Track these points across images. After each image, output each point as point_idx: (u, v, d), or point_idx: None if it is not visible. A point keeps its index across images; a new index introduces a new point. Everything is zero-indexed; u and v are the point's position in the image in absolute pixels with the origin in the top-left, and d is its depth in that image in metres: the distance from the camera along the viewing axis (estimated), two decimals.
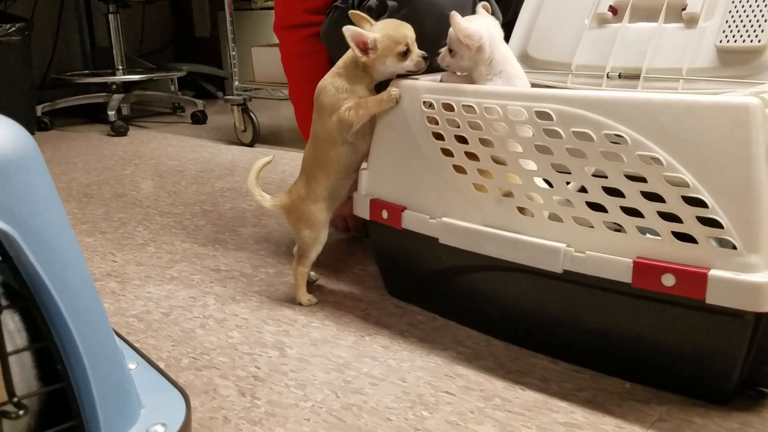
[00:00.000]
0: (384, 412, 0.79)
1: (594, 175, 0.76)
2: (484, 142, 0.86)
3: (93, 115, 2.98)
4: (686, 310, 0.73)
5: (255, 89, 2.63)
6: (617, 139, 0.74)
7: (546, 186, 0.82)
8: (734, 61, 0.91)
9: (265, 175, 1.88)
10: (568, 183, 0.79)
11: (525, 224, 0.83)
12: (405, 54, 0.97)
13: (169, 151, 2.33)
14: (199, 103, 2.87)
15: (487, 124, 0.84)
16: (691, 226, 0.70)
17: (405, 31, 0.97)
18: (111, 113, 2.67)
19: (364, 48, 0.96)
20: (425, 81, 0.96)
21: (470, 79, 0.94)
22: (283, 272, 1.21)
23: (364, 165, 1.06)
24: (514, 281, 0.88)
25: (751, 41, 0.89)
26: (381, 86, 1.00)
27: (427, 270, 1.00)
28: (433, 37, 1.11)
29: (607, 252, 0.76)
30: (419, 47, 1.05)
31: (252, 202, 1.66)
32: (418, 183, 0.95)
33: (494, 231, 0.86)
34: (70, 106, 2.85)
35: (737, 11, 0.91)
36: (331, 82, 1.01)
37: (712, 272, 0.68)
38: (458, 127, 0.87)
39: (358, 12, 0.98)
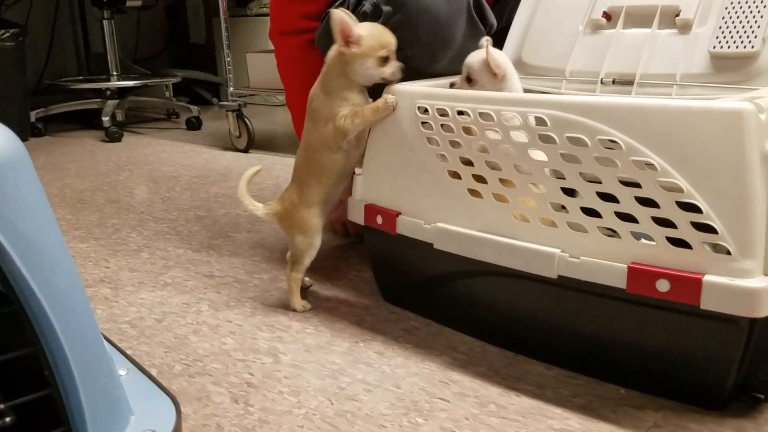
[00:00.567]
0: (378, 418, 0.78)
1: (588, 181, 0.76)
2: (479, 148, 0.85)
3: (87, 121, 2.97)
4: (681, 315, 0.72)
5: (250, 95, 2.63)
6: (611, 145, 0.74)
7: (541, 191, 0.81)
8: (728, 67, 0.91)
9: (259, 181, 1.88)
10: (564, 190, 0.79)
11: (519, 229, 0.83)
12: (386, 60, 0.96)
13: (164, 156, 2.32)
14: (194, 109, 2.87)
15: (481, 130, 0.84)
16: (685, 232, 0.70)
17: (389, 37, 0.97)
18: (105, 119, 2.66)
19: (347, 39, 0.95)
20: (420, 86, 0.96)
21: None
22: (277, 278, 1.20)
23: (358, 170, 1.06)
24: (508, 286, 0.87)
25: (744, 47, 0.89)
26: (376, 94, 1.00)
27: (421, 275, 0.99)
28: (426, 42, 1.11)
29: (601, 257, 0.75)
30: (412, 52, 1.05)
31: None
32: (413, 188, 0.95)
33: (489, 236, 0.86)
34: (65, 112, 2.84)
35: (730, 17, 0.91)
36: (322, 89, 1.01)
37: (707, 278, 0.68)
38: (453, 132, 0.87)
39: (343, 9, 0.98)
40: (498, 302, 0.91)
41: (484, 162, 0.85)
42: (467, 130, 0.86)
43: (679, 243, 0.71)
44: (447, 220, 0.91)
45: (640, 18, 1.00)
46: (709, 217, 0.68)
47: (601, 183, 0.75)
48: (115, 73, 2.94)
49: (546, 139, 0.78)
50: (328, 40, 1.29)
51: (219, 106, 3.38)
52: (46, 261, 0.35)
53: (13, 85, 2.58)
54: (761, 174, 0.67)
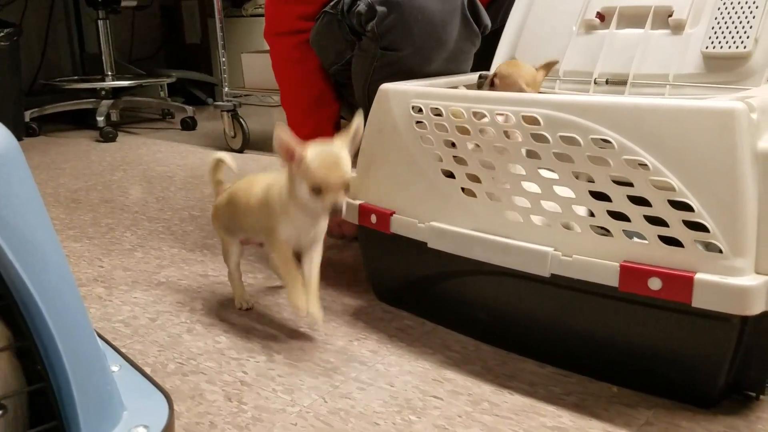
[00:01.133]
0: (372, 416, 0.78)
1: (582, 180, 0.77)
2: (473, 147, 0.86)
3: (82, 121, 2.96)
4: (673, 313, 0.73)
5: (245, 95, 2.63)
6: (604, 144, 0.74)
7: (535, 191, 0.82)
8: (720, 67, 0.91)
9: None
10: (559, 190, 0.80)
11: (513, 228, 0.83)
12: (318, 191, 0.85)
13: (158, 156, 2.32)
14: (189, 109, 2.87)
15: (475, 129, 0.84)
16: (677, 230, 0.70)
17: (331, 173, 0.85)
18: (100, 119, 2.65)
19: (290, 156, 0.87)
20: (414, 85, 0.96)
21: None
22: (271, 276, 1.20)
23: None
24: (502, 285, 0.88)
25: (737, 47, 0.90)
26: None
27: (415, 275, 1.00)
28: (420, 42, 1.11)
29: (594, 256, 0.76)
30: (406, 53, 1.05)
31: None
32: (407, 187, 0.95)
33: (482, 235, 0.86)
34: (59, 112, 2.83)
35: (723, 18, 0.92)
36: (279, 183, 0.93)
37: (698, 276, 0.69)
38: (447, 131, 0.88)
39: (284, 129, 0.86)
40: (492, 301, 0.91)
41: (478, 161, 0.85)
42: (461, 130, 0.86)
43: (671, 242, 0.71)
44: (441, 219, 0.91)
45: (633, 18, 1.00)
46: (701, 215, 0.69)
47: (594, 182, 0.75)
48: (109, 73, 2.94)
49: (539, 138, 0.78)
50: (322, 39, 1.29)
51: (214, 107, 3.38)
52: (38, 256, 0.35)
53: (8, 84, 2.58)
54: (752, 173, 0.67)
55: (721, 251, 0.68)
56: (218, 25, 2.42)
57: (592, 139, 0.74)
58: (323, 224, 0.95)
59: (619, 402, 0.79)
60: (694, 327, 0.73)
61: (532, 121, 0.79)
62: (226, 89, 2.43)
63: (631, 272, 0.73)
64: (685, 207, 0.70)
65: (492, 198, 0.86)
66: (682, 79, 0.94)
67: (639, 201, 0.73)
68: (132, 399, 0.42)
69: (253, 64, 2.49)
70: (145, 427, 0.40)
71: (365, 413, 0.79)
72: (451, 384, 0.85)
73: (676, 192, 0.70)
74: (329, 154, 0.87)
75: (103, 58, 2.92)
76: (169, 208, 1.67)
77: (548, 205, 0.80)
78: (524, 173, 0.81)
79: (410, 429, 0.76)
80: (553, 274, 0.80)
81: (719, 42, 0.91)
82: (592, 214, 0.76)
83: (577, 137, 0.75)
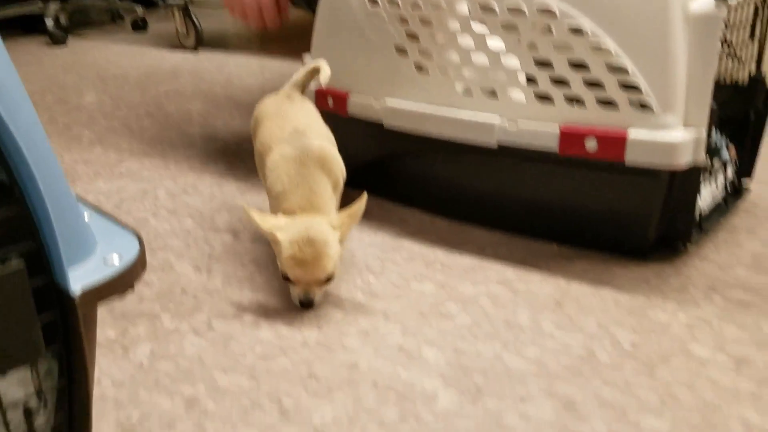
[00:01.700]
0: (335, 280, 0.84)
1: (526, 49, 0.80)
2: (424, 22, 0.88)
3: (31, 27, 2.85)
4: (608, 173, 0.79)
5: None
6: (547, 13, 0.77)
7: (483, 62, 0.85)
8: None
9: (210, 78, 1.87)
10: (506, 61, 0.83)
11: (464, 102, 0.87)
12: (290, 281, 0.75)
13: (111, 59, 2.27)
14: (139, 9, 2.77)
15: (426, 3, 0.86)
16: (613, 92, 0.75)
17: (306, 271, 0.72)
18: (49, 22, 2.56)
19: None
20: None
21: None
22: (234, 165, 1.23)
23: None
24: (454, 159, 0.92)
25: None
26: None
27: (373, 155, 1.03)
28: None
29: (536, 123, 0.80)
30: None
31: (198, 104, 1.66)
32: (362, 68, 0.97)
33: (435, 110, 0.89)
34: (7, 18, 2.72)
35: None
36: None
37: (631, 134, 0.74)
38: (399, 7, 0.89)
39: (251, 211, 0.74)
40: (445, 175, 0.96)
41: (429, 35, 0.88)
42: (413, 5, 0.88)
43: (608, 104, 0.76)
44: (395, 97, 0.94)
45: None
46: (635, 76, 0.73)
47: (537, 50, 0.79)
48: None
49: (487, 9, 0.81)
50: None
51: (164, 5, 3.27)
52: (12, 98, 0.38)
53: None
54: (683, 34, 0.71)
55: (652, 109, 0.73)
56: None
57: (536, 9, 0.77)
58: None
59: (559, 256, 0.86)
60: (627, 184, 0.78)
61: None
62: None
63: (569, 135, 0.78)
64: (621, 70, 0.74)
65: (443, 73, 0.89)
66: None
67: (579, 67, 0.77)
68: (103, 236, 0.45)
69: None
70: (119, 255, 0.44)
71: None
72: (407, 251, 0.91)
73: (612, 55, 0.74)
74: (307, 245, 0.70)
75: None
76: (124, 106, 1.66)
77: (495, 75, 0.83)
78: (473, 45, 0.84)
79: (370, 288, 0.82)
80: (500, 144, 0.84)
81: None
82: (535, 83, 0.80)
83: (523, 7, 0.78)
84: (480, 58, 0.84)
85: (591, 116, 0.76)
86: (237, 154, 1.28)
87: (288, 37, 2.47)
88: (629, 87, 0.74)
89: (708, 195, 0.88)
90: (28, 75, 2.07)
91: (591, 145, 0.76)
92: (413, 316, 0.75)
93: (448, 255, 0.89)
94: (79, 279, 0.41)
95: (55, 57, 2.35)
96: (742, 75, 0.90)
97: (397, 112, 0.93)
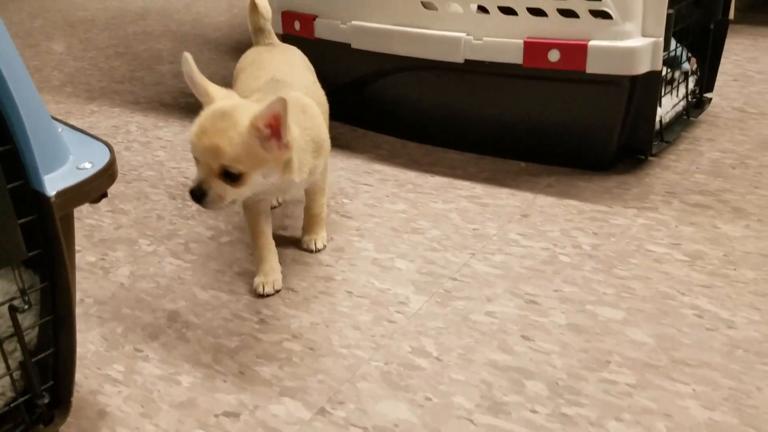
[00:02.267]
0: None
1: None
2: None
3: None
4: (570, 84, 0.80)
5: None
6: None
7: None
8: None
9: (179, 18, 1.84)
10: None
11: (429, 19, 0.88)
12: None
13: (77, 2, 2.22)
14: None
15: None
16: (574, 2, 0.76)
17: (199, 141, 0.59)
18: None
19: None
20: None
21: None
22: None
23: None
24: (422, 80, 0.93)
25: None
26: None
27: (342, 81, 1.04)
28: None
29: (501, 37, 0.81)
30: None
31: (167, 43, 1.64)
32: None
33: (401, 29, 0.90)
34: None
35: None
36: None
37: (591, 43, 0.75)
38: None
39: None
40: (413, 98, 0.97)
41: None
42: None
43: (569, 15, 0.77)
44: (362, 18, 0.94)
45: None
46: None
47: None
48: None
49: None
50: None
51: None
52: None
53: None
54: None
55: (612, 18, 0.74)
56: None
57: None
58: (302, 185, 0.69)
59: (526, 173, 0.89)
60: (589, 96, 0.80)
61: None
62: None
63: (533, 47, 0.79)
64: None
65: None
66: None
67: None
68: (76, 147, 0.47)
69: None
70: (91, 162, 0.45)
71: (303, 201, 0.86)
72: (379, 174, 0.93)
73: None
74: (219, 117, 0.58)
75: None
76: (93, 47, 1.64)
77: None
78: None
79: (344, 209, 0.84)
80: (466, 60, 0.85)
81: None
82: None
83: None
84: None
85: (553, 28, 0.78)
86: None
87: None
88: None
89: (669, 105, 0.90)
90: None
91: (554, 56, 0.77)
92: (386, 232, 0.78)
93: (419, 176, 0.91)
94: (54, 183, 0.42)
95: (20, 3, 2.30)
96: None
97: (364, 31, 0.94)
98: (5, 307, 0.43)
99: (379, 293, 0.66)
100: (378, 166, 0.95)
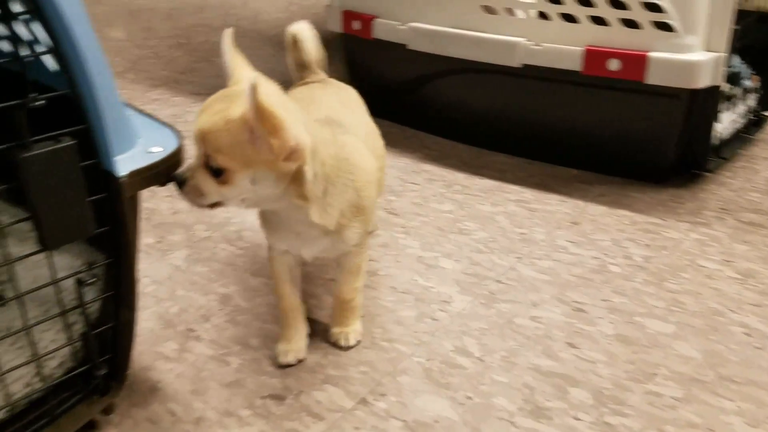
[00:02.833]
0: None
1: None
2: None
3: None
4: (628, 94, 0.80)
5: None
6: None
7: None
8: None
9: (235, 13, 1.87)
10: None
11: (488, 23, 0.88)
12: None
13: None
14: None
15: None
16: (636, 12, 0.75)
17: (198, 118, 0.54)
18: None
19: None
20: None
21: None
22: None
23: None
24: (477, 83, 0.94)
25: None
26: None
27: (397, 81, 1.05)
28: None
29: (561, 43, 0.81)
30: None
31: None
32: None
33: (458, 31, 0.91)
34: None
35: None
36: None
37: (652, 54, 0.75)
38: None
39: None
40: (467, 100, 0.97)
41: None
42: None
43: (631, 25, 0.77)
44: (420, 19, 0.95)
45: None
46: None
47: None
48: None
49: None
50: None
51: None
52: (73, 17, 0.41)
53: None
54: None
55: (673, 30, 0.74)
56: None
57: None
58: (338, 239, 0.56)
59: (577, 181, 0.88)
60: (647, 106, 0.80)
61: None
62: None
63: (593, 55, 0.79)
64: None
65: None
66: None
67: None
68: (146, 131, 0.49)
69: None
70: (161, 147, 0.47)
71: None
72: (428, 174, 0.94)
73: None
74: (220, 99, 0.53)
75: None
76: (154, 36, 1.68)
77: None
78: None
79: (390, 206, 0.85)
80: (523, 65, 0.86)
81: None
82: (560, 2, 0.81)
83: None
84: None
85: (614, 37, 0.77)
86: None
87: None
88: (653, 8, 0.74)
89: (728, 122, 0.89)
90: None
91: (613, 65, 0.77)
92: (432, 231, 0.78)
93: (467, 178, 0.92)
94: (124, 164, 0.44)
95: None
96: (765, 2, 0.89)
97: (421, 32, 0.95)
98: (69, 281, 0.45)
99: (423, 290, 0.67)
100: (427, 166, 0.96)
